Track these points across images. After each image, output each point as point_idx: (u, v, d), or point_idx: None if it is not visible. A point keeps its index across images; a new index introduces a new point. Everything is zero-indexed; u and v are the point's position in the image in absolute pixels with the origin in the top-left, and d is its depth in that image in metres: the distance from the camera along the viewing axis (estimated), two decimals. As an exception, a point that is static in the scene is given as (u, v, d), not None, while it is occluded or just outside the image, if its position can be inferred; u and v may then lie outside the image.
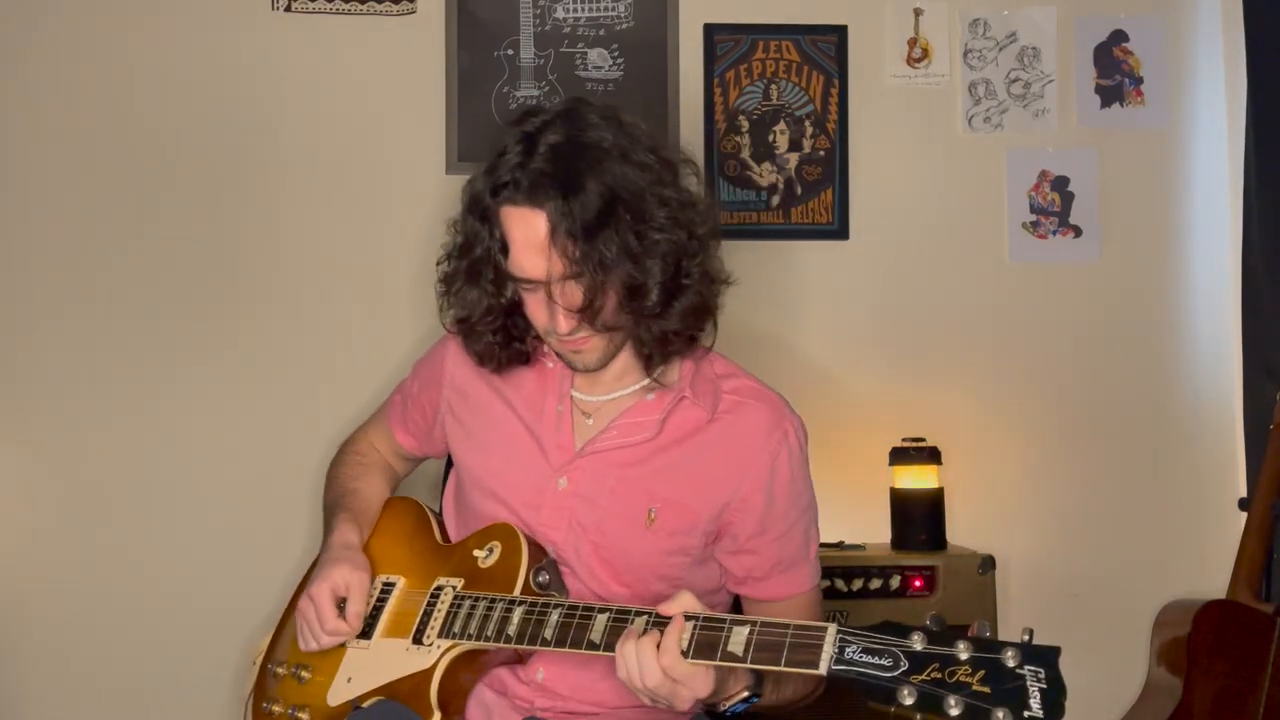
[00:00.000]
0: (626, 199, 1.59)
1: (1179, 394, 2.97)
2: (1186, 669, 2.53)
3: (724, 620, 1.46)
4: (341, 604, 1.74)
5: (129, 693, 2.76)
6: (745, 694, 1.53)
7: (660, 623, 1.48)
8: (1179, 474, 2.95)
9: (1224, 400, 2.95)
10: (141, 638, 2.76)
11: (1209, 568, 2.80)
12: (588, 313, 1.60)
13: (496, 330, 1.74)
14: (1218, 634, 2.53)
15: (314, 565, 1.98)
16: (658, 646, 1.45)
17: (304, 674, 1.78)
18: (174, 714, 2.76)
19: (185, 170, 2.81)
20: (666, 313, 1.65)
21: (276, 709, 1.78)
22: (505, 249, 1.63)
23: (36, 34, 2.79)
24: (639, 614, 1.52)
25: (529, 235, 1.59)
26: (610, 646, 1.51)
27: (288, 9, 2.83)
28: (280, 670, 1.82)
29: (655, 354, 1.70)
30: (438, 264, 1.77)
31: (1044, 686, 1.24)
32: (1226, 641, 2.52)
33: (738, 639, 1.42)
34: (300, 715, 1.74)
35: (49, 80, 2.79)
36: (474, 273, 1.70)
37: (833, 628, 1.36)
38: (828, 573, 2.58)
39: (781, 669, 1.38)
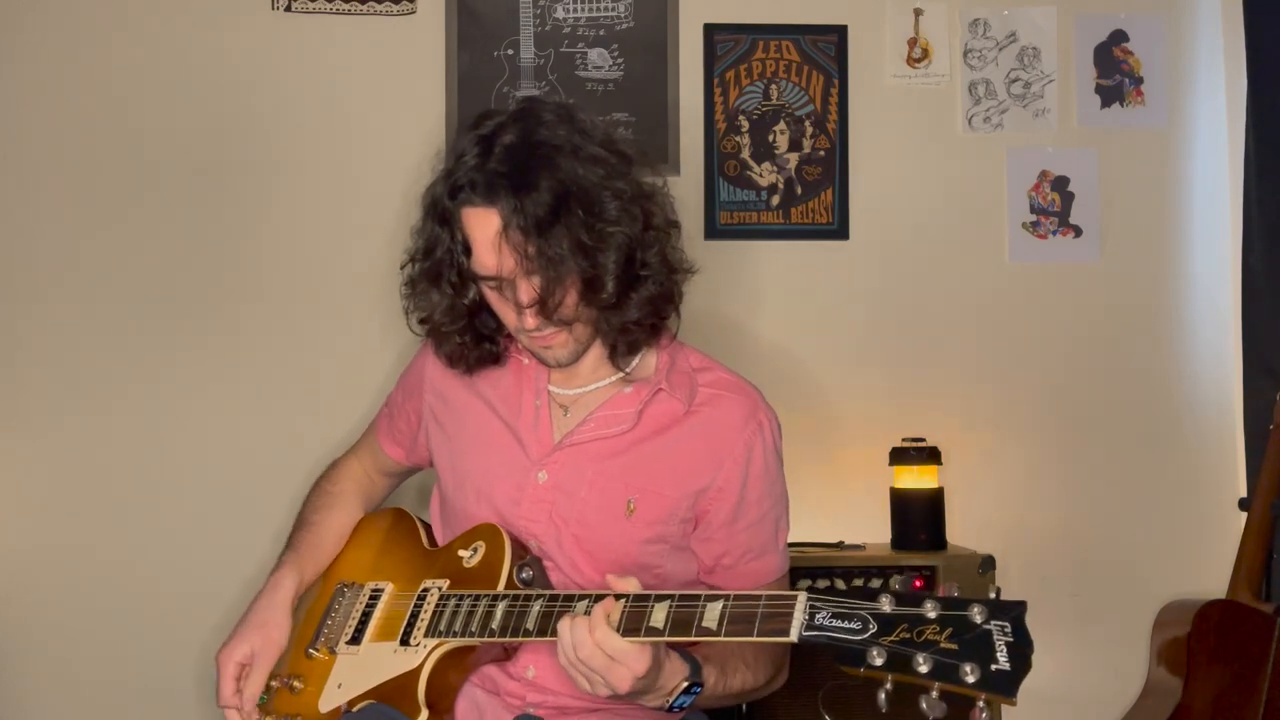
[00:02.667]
0: (578, 194, 1.61)
1: (1179, 394, 2.96)
2: (1186, 669, 2.53)
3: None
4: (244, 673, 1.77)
5: (121, 703, 2.75)
6: (685, 684, 1.54)
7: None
8: (1179, 474, 2.95)
9: (1224, 400, 2.95)
10: (134, 647, 2.76)
11: (1209, 568, 2.80)
12: (546, 308, 1.63)
13: (463, 331, 1.77)
14: (1218, 634, 2.53)
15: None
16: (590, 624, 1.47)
17: (296, 684, 1.79)
18: None
19: (184, 170, 2.81)
20: (624, 304, 1.68)
21: None
22: (468, 249, 1.66)
23: (36, 31, 2.79)
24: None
25: (486, 234, 1.62)
26: None
27: (288, 9, 2.83)
28: (274, 682, 1.82)
29: (619, 344, 1.72)
30: (401, 268, 1.79)
31: (1010, 640, 1.25)
32: (1226, 641, 2.52)
33: (712, 613, 1.43)
34: None
35: (49, 77, 2.79)
36: (435, 274, 1.72)
37: (803, 595, 1.38)
38: (827, 573, 2.58)
39: (755, 639, 1.39)
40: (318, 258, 2.83)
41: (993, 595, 1.29)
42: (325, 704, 1.73)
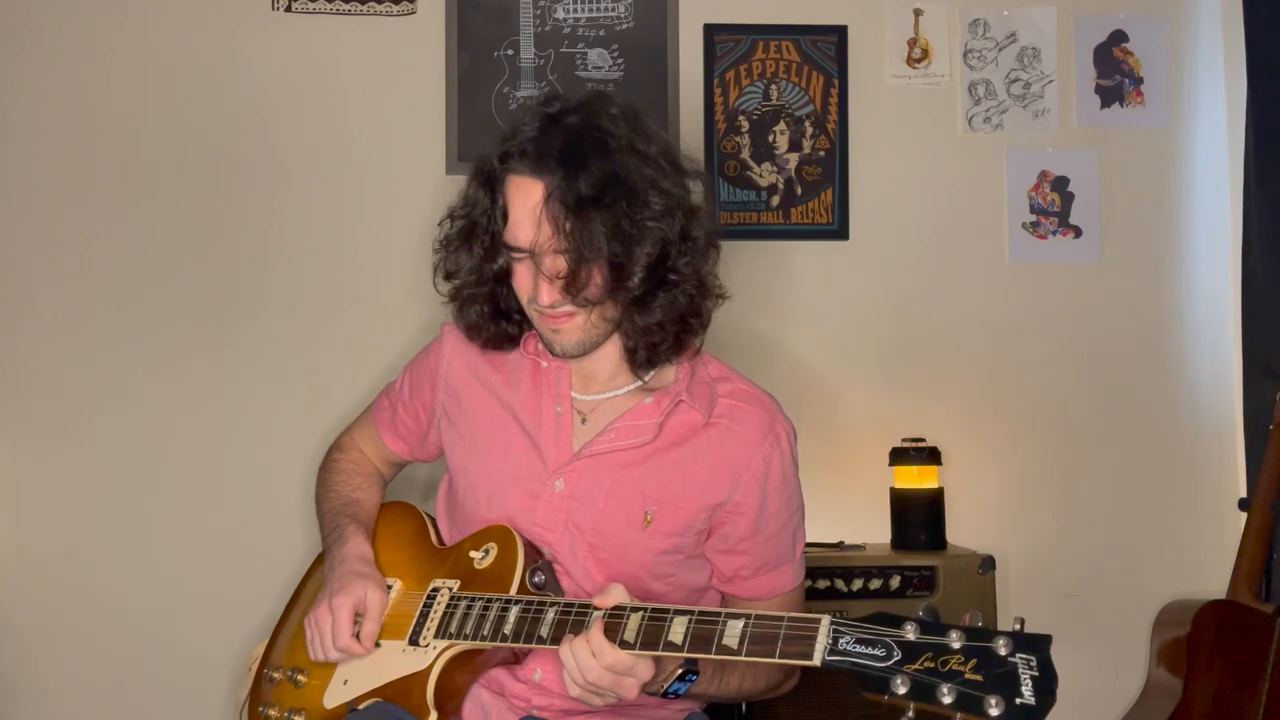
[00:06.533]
0: (625, 185, 1.63)
1: (1179, 394, 2.97)
2: (1186, 669, 2.53)
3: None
4: (358, 621, 1.73)
5: (124, 697, 2.75)
6: (680, 671, 1.54)
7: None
8: (1179, 474, 2.95)
9: (1224, 400, 2.95)
10: (136, 643, 2.76)
11: (1209, 568, 2.80)
12: (574, 284, 1.63)
13: (485, 300, 1.77)
14: (1218, 634, 2.53)
15: (310, 571, 1.99)
16: (591, 648, 1.48)
17: (300, 678, 1.78)
18: (169, 718, 2.75)
19: (185, 170, 2.81)
20: (650, 303, 1.67)
21: (273, 713, 1.79)
22: (505, 216, 1.67)
23: (36, 31, 2.79)
24: (679, 613, 1.52)
25: (526, 203, 1.63)
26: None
27: (288, 9, 2.83)
28: (276, 675, 1.83)
29: (640, 348, 1.71)
30: (439, 224, 1.80)
31: (1035, 674, 1.25)
32: (1226, 641, 2.52)
33: (733, 631, 1.43)
34: (296, 718, 1.75)
35: (49, 78, 2.79)
36: (469, 236, 1.73)
37: (826, 619, 1.38)
38: (827, 573, 2.58)
39: (777, 660, 1.39)
40: (318, 258, 2.83)
41: (1016, 626, 1.29)
42: (330, 700, 1.72)
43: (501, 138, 1.70)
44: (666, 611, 1.49)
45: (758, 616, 1.43)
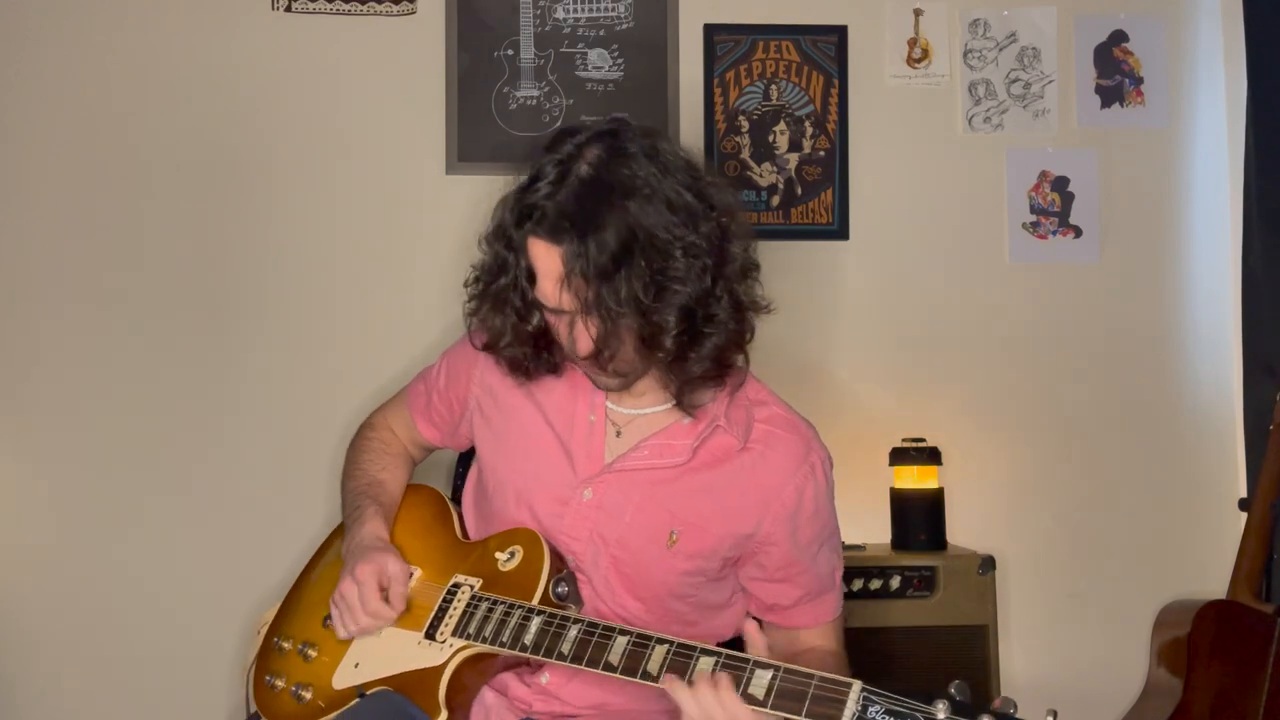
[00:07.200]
0: (645, 243, 1.57)
1: (1179, 394, 2.96)
2: (1186, 669, 2.53)
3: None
4: (384, 593, 1.72)
5: (124, 697, 2.75)
6: None
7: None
8: (1179, 474, 2.95)
9: (1224, 400, 2.95)
10: (137, 644, 2.75)
11: (1209, 568, 2.80)
12: (600, 359, 1.62)
13: (526, 343, 1.74)
14: (1218, 634, 2.53)
15: (328, 542, 1.99)
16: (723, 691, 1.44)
17: (311, 652, 1.77)
18: (174, 682, 2.75)
19: (186, 170, 2.81)
20: (684, 359, 1.64)
21: (280, 683, 1.78)
22: (532, 277, 1.64)
23: (36, 31, 2.79)
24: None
25: (548, 268, 1.60)
26: (629, 670, 1.51)
27: (288, 9, 2.83)
28: (286, 645, 1.82)
29: (683, 391, 1.69)
30: (465, 285, 1.77)
31: None
32: (1226, 641, 2.52)
33: (760, 681, 1.42)
34: (303, 694, 1.74)
35: (49, 78, 2.79)
36: (501, 300, 1.70)
37: (857, 685, 1.36)
38: (828, 573, 2.58)
39: (801, 719, 1.38)
40: (317, 258, 2.83)
41: (1050, 718, 1.28)
42: (340, 681, 1.72)
43: (519, 188, 1.64)
44: (693, 649, 1.48)
45: (787, 670, 1.42)
